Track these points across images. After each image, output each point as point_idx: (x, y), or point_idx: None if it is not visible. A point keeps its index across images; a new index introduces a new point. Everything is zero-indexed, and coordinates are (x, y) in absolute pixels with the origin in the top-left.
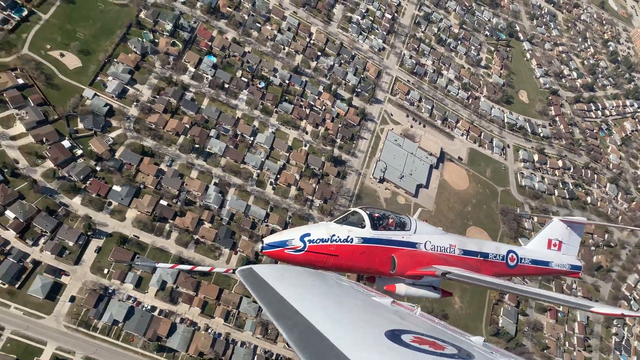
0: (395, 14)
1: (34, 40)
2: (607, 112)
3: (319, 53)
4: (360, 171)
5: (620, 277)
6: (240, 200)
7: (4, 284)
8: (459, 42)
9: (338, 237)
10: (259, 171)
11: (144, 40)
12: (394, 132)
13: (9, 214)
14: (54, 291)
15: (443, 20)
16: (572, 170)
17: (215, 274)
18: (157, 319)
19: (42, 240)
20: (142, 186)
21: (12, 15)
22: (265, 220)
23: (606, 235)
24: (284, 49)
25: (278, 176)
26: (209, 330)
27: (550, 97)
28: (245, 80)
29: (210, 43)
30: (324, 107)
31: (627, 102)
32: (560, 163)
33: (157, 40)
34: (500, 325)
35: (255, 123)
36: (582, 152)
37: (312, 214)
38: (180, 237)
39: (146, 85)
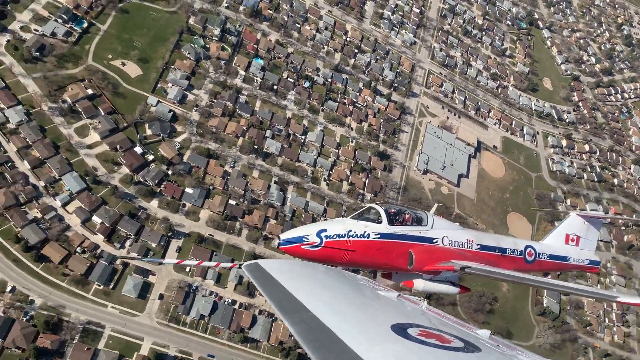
0: (423, 8)
1: (96, 51)
2: (626, 95)
3: (356, 50)
4: (405, 164)
5: None
6: (299, 197)
7: (99, 286)
8: (484, 32)
9: (355, 232)
10: (312, 168)
11: (196, 46)
12: (432, 124)
13: (96, 219)
14: (144, 290)
15: (467, 12)
16: (597, 153)
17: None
18: (238, 312)
19: (127, 243)
20: (211, 187)
21: (74, 27)
22: (324, 215)
23: (634, 215)
24: (323, 48)
25: (330, 172)
26: None
27: (572, 83)
28: (292, 80)
29: (256, 46)
30: (365, 103)
31: None
32: (586, 147)
33: (208, 46)
34: (545, 305)
35: (305, 122)
36: (606, 136)
37: None
38: (250, 234)
39: (203, 90)
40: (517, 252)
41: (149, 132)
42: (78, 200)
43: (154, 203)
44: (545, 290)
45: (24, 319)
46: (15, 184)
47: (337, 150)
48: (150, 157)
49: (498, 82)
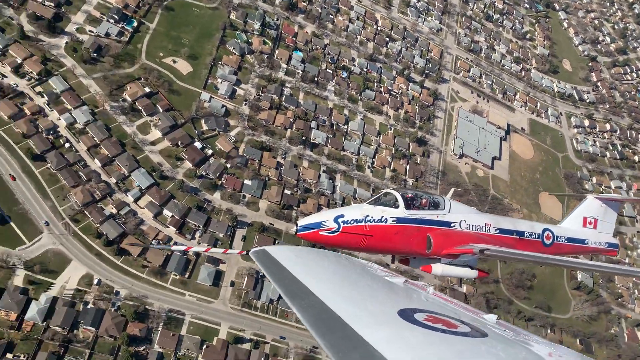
0: None
1: (148, 49)
2: None
3: (387, 39)
4: (441, 149)
5: None
6: (347, 185)
7: (176, 275)
8: (504, 16)
9: (372, 217)
10: (357, 156)
11: (240, 41)
12: (464, 109)
13: (167, 212)
14: (217, 278)
15: None
16: (618, 132)
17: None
18: None
19: (197, 234)
20: (267, 178)
21: (126, 27)
22: None
23: None
24: (356, 38)
25: (373, 160)
26: None
27: (590, 64)
28: (330, 71)
29: (294, 39)
30: (400, 91)
31: None
32: (607, 126)
33: (250, 41)
34: (579, 280)
35: (346, 112)
36: (625, 114)
37: None
38: None
39: (250, 84)
40: (534, 235)
41: (205, 127)
42: (148, 195)
43: (217, 195)
44: None
45: (112, 309)
46: (90, 182)
47: (377, 138)
48: (209, 152)
49: (521, 65)
